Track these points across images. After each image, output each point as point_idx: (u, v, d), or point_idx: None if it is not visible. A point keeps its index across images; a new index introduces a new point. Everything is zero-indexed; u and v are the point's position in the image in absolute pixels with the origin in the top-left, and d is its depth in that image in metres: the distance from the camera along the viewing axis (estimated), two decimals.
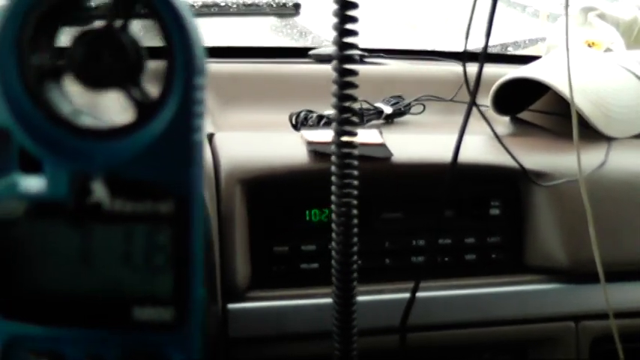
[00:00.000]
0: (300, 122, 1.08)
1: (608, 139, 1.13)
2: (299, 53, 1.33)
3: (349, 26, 0.70)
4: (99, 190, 0.28)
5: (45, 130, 0.28)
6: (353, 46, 0.71)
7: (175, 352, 0.30)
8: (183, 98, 0.28)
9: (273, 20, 1.56)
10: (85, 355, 0.29)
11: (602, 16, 1.33)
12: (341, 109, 0.71)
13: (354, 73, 0.70)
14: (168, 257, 0.29)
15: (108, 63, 0.28)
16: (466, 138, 0.88)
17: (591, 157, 1.05)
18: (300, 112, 1.09)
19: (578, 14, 1.33)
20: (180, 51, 0.28)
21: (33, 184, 0.29)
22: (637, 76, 1.21)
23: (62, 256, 0.29)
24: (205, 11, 1.28)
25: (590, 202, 0.90)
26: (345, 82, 0.71)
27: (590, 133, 1.12)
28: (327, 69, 0.69)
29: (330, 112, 1.01)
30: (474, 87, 0.87)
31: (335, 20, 0.69)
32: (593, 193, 0.92)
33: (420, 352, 0.96)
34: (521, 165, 0.99)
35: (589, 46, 1.27)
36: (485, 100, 1.22)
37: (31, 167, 0.29)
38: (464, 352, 0.99)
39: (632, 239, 1.04)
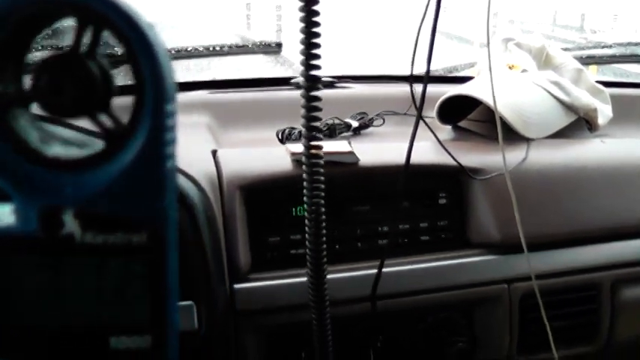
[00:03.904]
0: (285, 137, 1.07)
1: (527, 140, 1.13)
2: (282, 82, 1.31)
3: (313, 61, 0.69)
4: (70, 223, 0.23)
5: (12, 163, 0.23)
6: (316, 77, 0.69)
7: None
8: (152, 126, 0.23)
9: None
10: None
11: (518, 45, 1.33)
12: (308, 128, 0.70)
13: (317, 98, 0.69)
14: (143, 287, 0.24)
15: (73, 91, 0.22)
16: (417, 144, 0.88)
17: (515, 154, 1.05)
18: (285, 129, 1.07)
19: (500, 43, 1.33)
20: (150, 78, 0.23)
21: (2, 216, 0.23)
22: (547, 90, 1.21)
23: (36, 289, 0.23)
24: (205, 52, 1.27)
25: (515, 189, 0.90)
26: (310, 106, 0.70)
27: (513, 136, 1.12)
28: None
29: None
30: (420, 103, 0.87)
31: (301, 56, 0.68)
32: (517, 183, 0.92)
33: (387, 315, 0.95)
34: (459, 163, 0.99)
35: (509, 68, 1.27)
36: (432, 112, 1.21)
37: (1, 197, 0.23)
38: (423, 313, 0.98)
39: (549, 217, 1.04)
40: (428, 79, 0.84)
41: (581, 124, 1.26)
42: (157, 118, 0.23)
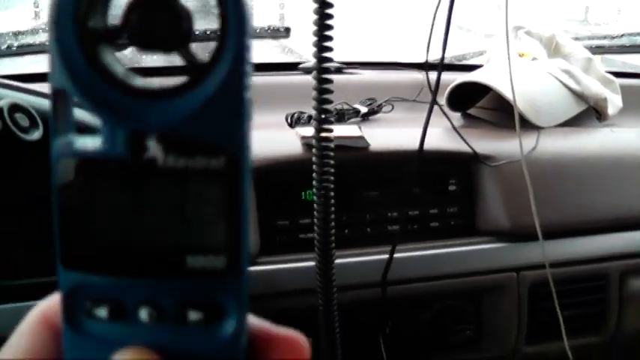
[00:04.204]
0: (294, 121, 1.06)
1: (537, 128, 1.12)
2: (290, 67, 1.30)
3: (326, 43, 0.68)
4: (154, 147, 0.25)
5: (102, 92, 0.25)
6: (328, 59, 0.68)
7: (227, 298, 0.26)
8: (235, 57, 0.24)
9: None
10: (141, 301, 0.26)
11: (529, 33, 1.31)
12: (319, 110, 0.69)
13: (329, 81, 0.68)
14: (219, 209, 0.25)
15: (163, 27, 0.24)
16: (428, 130, 0.87)
17: (525, 143, 1.04)
18: (294, 113, 1.06)
19: (510, 31, 1.31)
20: (233, 11, 0.24)
21: (90, 143, 0.25)
22: (558, 79, 1.20)
23: (119, 209, 0.25)
24: (213, 37, 1.25)
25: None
26: (322, 88, 0.69)
27: (523, 124, 1.10)
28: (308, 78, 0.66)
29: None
30: (435, 89, 0.85)
31: (314, 35, 0.67)
32: (528, 170, 0.91)
33: (395, 301, 0.94)
34: (473, 150, 0.98)
35: (520, 56, 1.26)
36: (441, 99, 1.20)
37: (86, 129, 0.26)
38: (430, 300, 0.97)
39: (559, 206, 1.03)
40: (443, 65, 0.83)
41: (590, 113, 1.25)
42: (239, 51, 0.24)
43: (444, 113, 0.96)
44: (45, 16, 1.63)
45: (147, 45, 0.25)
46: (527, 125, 1.11)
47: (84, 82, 0.25)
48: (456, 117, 1.23)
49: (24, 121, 0.66)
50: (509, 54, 0.89)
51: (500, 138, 1.05)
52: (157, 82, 0.25)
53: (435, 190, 0.99)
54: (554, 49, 1.32)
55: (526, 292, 1.01)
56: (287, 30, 1.24)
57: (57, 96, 0.25)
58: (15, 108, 0.66)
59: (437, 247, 0.97)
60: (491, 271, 0.99)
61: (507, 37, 0.88)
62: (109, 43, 0.25)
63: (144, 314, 0.26)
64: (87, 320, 0.26)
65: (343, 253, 0.87)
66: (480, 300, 1.01)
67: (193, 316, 0.26)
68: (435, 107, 0.87)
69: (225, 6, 0.24)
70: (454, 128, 0.98)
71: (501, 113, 1.18)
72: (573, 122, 1.19)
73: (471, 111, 1.24)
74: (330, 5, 0.66)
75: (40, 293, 0.29)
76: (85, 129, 0.25)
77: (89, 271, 0.26)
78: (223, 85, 0.24)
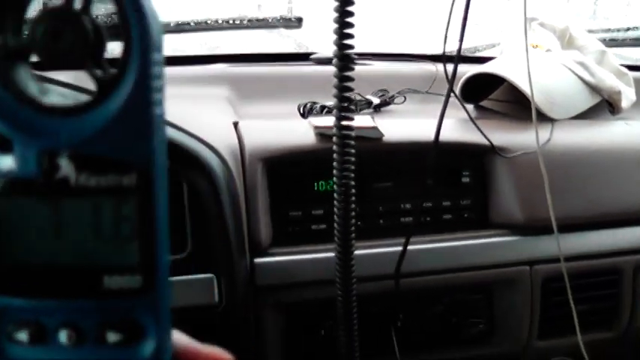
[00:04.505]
0: (306, 111, 1.04)
1: (551, 120, 1.10)
2: (302, 57, 1.28)
3: (347, 30, 0.67)
4: (65, 166, 0.24)
5: (13, 110, 0.24)
6: (351, 46, 0.67)
7: (145, 316, 0.26)
8: (140, 73, 0.24)
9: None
10: (61, 323, 0.26)
11: (542, 25, 1.29)
12: (341, 99, 0.68)
13: (351, 69, 0.67)
14: (134, 227, 0.25)
15: (68, 42, 0.24)
16: (437, 122, 0.86)
17: (540, 135, 1.02)
18: (307, 103, 1.05)
19: (523, 23, 1.29)
20: (136, 27, 0.24)
21: (3, 163, 0.25)
22: (572, 71, 1.18)
23: (34, 230, 0.25)
24: (226, 25, 1.24)
25: (539, 170, 0.88)
26: (344, 76, 0.68)
27: (537, 116, 1.09)
28: (325, 69, 0.65)
29: (330, 103, 0.98)
30: (451, 80, 0.84)
31: (335, 25, 0.66)
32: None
33: (407, 293, 0.93)
34: (490, 141, 0.96)
35: (533, 47, 1.24)
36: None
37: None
38: (443, 293, 0.96)
39: (572, 199, 1.01)
40: (459, 57, 0.82)
41: (603, 106, 1.23)
42: (144, 66, 0.24)
43: (462, 104, 0.95)
44: None
45: (53, 61, 0.24)
46: (540, 117, 1.09)
47: None
48: (469, 109, 1.21)
49: None
50: (526, 46, 0.87)
51: (513, 130, 1.04)
52: (62, 99, 0.25)
53: (448, 182, 0.97)
54: (567, 41, 1.30)
55: (539, 286, 1.00)
56: (299, 20, 1.23)
57: None
58: None
59: (449, 239, 0.96)
60: (503, 264, 0.98)
61: (525, 29, 0.86)
62: (22, 60, 0.25)
63: (63, 337, 0.26)
64: (10, 345, 0.26)
65: (356, 244, 0.85)
66: (492, 293, 1.00)
67: (112, 337, 0.26)
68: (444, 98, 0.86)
69: (127, 19, 0.24)
70: (471, 119, 0.97)
71: (514, 105, 1.17)
72: (586, 115, 1.18)
73: (484, 103, 1.23)
74: (351, 2, 0.65)
75: None
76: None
77: (8, 293, 0.25)
78: (129, 101, 0.24)
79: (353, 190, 0.71)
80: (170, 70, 1.03)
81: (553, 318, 1.02)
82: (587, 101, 1.18)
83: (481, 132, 0.96)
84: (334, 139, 0.70)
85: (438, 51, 1.30)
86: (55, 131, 0.24)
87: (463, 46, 0.86)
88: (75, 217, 0.25)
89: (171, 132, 0.81)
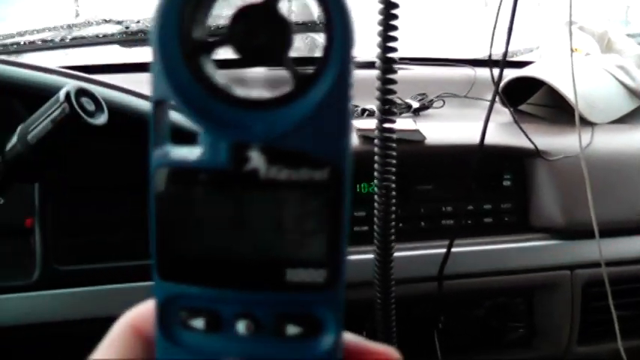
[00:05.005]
0: None
1: (591, 124, 1.09)
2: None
3: (391, 33, 0.67)
4: (256, 159, 0.24)
5: (206, 102, 0.24)
6: (394, 49, 0.68)
7: (325, 310, 0.26)
8: (341, 69, 0.24)
9: None
10: (239, 313, 0.25)
11: (581, 29, 1.29)
12: (383, 102, 0.68)
13: (394, 72, 0.68)
14: (320, 222, 0.25)
15: (268, 37, 0.24)
16: (477, 125, 0.85)
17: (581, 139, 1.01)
18: None
19: (563, 27, 1.29)
20: (339, 23, 0.23)
21: (189, 153, 0.24)
22: (612, 75, 1.17)
23: (218, 221, 0.25)
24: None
25: (580, 174, 0.87)
26: (387, 79, 0.68)
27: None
28: (365, 73, 0.66)
29: (371, 105, 0.98)
30: (497, 84, 0.84)
31: (380, 28, 0.66)
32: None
33: (448, 296, 0.93)
34: (534, 144, 0.96)
35: (573, 51, 1.23)
36: (488, 96, 1.18)
37: (182, 139, 0.25)
38: (483, 297, 0.96)
39: (614, 203, 1.01)
40: (505, 61, 0.82)
41: None
42: (345, 62, 0.24)
43: (508, 107, 0.95)
44: (86, 11, 1.65)
45: (250, 56, 0.24)
46: (581, 121, 1.09)
47: (188, 93, 0.24)
48: (507, 113, 1.21)
49: (90, 106, 0.66)
50: (571, 50, 0.87)
51: (554, 133, 1.04)
52: (255, 92, 0.25)
53: (489, 186, 0.97)
54: (606, 45, 1.29)
55: (580, 290, 0.99)
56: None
57: (157, 106, 0.25)
58: (81, 92, 0.66)
59: (490, 242, 0.95)
60: (544, 268, 0.98)
61: (570, 33, 0.86)
62: (210, 54, 0.25)
63: (241, 327, 0.26)
64: (182, 331, 0.26)
65: (397, 246, 0.85)
66: (533, 298, 0.99)
67: (292, 330, 0.26)
68: (483, 102, 0.85)
69: (331, 19, 0.24)
70: (516, 122, 0.97)
71: (552, 109, 1.16)
72: (627, 119, 1.17)
73: (522, 107, 1.22)
74: (396, 6, 0.65)
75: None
76: (181, 139, 0.25)
77: (187, 282, 0.25)
78: (328, 96, 0.24)
79: (394, 193, 0.71)
80: None
81: (593, 323, 1.01)
82: (628, 105, 1.17)
83: (526, 135, 0.95)
84: (376, 141, 0.70)
85: (477, 55, 1.30)
86: (248, 124, 0.24)
87: (501, 51, 0.86)
88: (261, 210, 0.25)
89: None
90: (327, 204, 0.24)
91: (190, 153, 0.25)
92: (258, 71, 0.29)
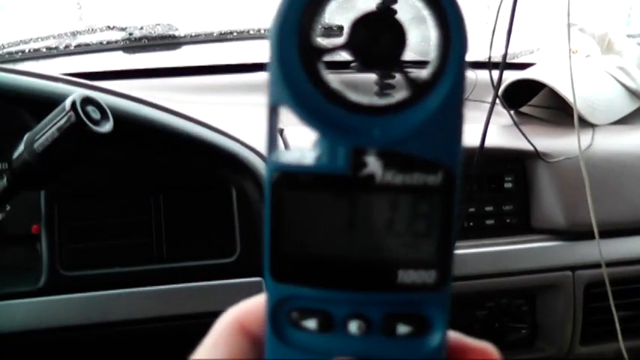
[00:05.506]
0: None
1: (592, 126, 1.10)
2: (344, 65, 1.29)
3: None
4: (372, 163, 0.25)
5: (324, 108, 0.25)
6: None
7: (434, 310, 0.27)
8: (457, 75, 0.24)
9: None
10: (351, 313, 0.26)
11: (582, 30, 1.29)
12: None
13: (392, 77, 0.68)
14: (433, 225, 0.25)
15: (387, 44, 0.25)
16: (478, 128, 0.86)
17: (581, 140, 1.02)
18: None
19: (563, 28, 1.29)
20: (456, 31, 0.24)
21: (304, 157, 0.25)
22: (613, 76, 1.18)
23: (332, 223, 0.25)
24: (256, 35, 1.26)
25: (581, 175, 0.88)
26: (384, 84, 0.69)
27: (579, 121, 1.09)
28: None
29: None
30: (496, 87, 0.85)
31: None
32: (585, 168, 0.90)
33: (453, 298, 0.93)
34: (534, 147, 0.96)
35: (573, 53, 1.24)
36: (488, 98, 1.18)
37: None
38: (486, 298, 0.97)
39: (614, 204, 1.01)
40: (505, 64, 0.83)
41: None
42: (461, 68, 0.24)
43: (507, 110, 0.95)
44: (89, 17, 1.66)
45: (369, 61, 0.25)
46: (581, 123, 1.09)
47: (307, 98, 0.25)
48: (508, 115, 1.22)
49: (95, 114, 0.67)
50: (569, 52, 0.88)
51: (555, 135, 1.04)
52: (366, 98, 0.25)
53: (490, 188, 0.98)
54: (607, 46, 1.30)
55: (582, 291, 1.00)
56: (340, 28, 1.24)
57: (274, 112, 0.25)
58: (87, 101, 0.67)
59: (492, 244, 0.96)
60: (546, 269, 0.98)
61: (569, 35, 0.86)
62: (323, 60, 0.25)
63: (353, 326, 0.26)
64: (293, 331, 0.27)
65: None
66: (535, 299, 1.00)
67: (402, 329, 0.26)
68: (482, 104, 0.86)
69: (448, 26, 0.24)
70: (516, 125, 0.97)
71: (554, 111, 1.17)
72: (627, 120, 1.17)
73: (523, 109, 1.23)
74: None
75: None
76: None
77: (300, 284, 0.26)
78: (446, 102, 0.24)
79: None
80: (218, 79, 1.05)
81: (596, 323, 1.01)
82: (628, 106, 1.18)
83: (526, 137, 0.96)
84: None
85: (477, 58, 1.31)
86: (366, 129, 0.25)
87: (501, 53, 0.87)
88: (375, 213, 0.25)
89: (219, 138, 0.83)
90: (440, 207, 0.25)
91: (305, 157, 0.25)
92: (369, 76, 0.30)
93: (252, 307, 0.28)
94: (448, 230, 0.25)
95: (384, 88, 0.27)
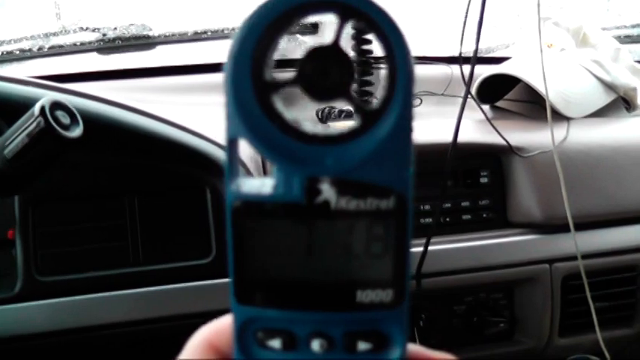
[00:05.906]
0: (325, 116, 1.06)
1: (567, 119, 1.11)
2: None
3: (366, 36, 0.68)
4: (327, 191, 0.26)
5: (279, 139, 0.26)
6: (370, 51, 0.69)
7: (392, 326, 0.27)
8: (405, 104, 0.25)
9: None
10: (313, 332, 0.27)
11: (556, 24, 1.30)
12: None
13: (370, 73, 0.69)
14: (387, 246, 0.26)
15: (336, 77, 0.26)
16: (453, 123, 0.86)
17: (556, 133, 1.03)
18: (325, 108, 1.06)
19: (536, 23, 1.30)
20: (402, 62, 0.25)
21: (262, 186, 0.26)
22: (587, 69, 1.19)
23: (291, 248, 0.26)
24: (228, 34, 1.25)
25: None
26: (363, 80, 0.69)
27: (553, 115, 1.10)
28: None
29: (347, 107, 0.99)
30: (468, 83, 0.85)
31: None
32: (559, 161, 0.91)
33: (429, 294, 0.94)
34: (507, 141, 0.97)
35: (548, 47, 1.24)
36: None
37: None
38: (463, 293, 0.97)
39: (590, 197, 1.02)
40: (476, 58, 0.83)
41: (619, 103, 1.24)
42: (408, 97, 0.25)
43: (479, 105, 0.96)
44: (67, 18, 1.65)
45: (320, 94, 0.26)
46: (556, 116, 1.10)
47: (262, 131, 0.25)
48: (485, 110, 1.22)
49: (65, 119, 0.67)
50: (541, 46, 0.88)
51: (530, 129, 1.05)
52: (320, 127, 0.26)
53: (466, 183, 0.99)
54: (582, 40, 1.30)
55: (559, 283, 1.01)
56: (314, 25, 1.24)
57: (232, 144, 0.26)
58: (56, 105, 0.67)
59: (469, 239, 0.97)
60: (524, 263, 0.99)
61: (540, 29, 0.87)
62: (280, 92, 0.26)
63: (316, 345, 0.27)
64: (259, 350, 0.28)
65: None
66: (513, 292, 1.00)
67: (362, 346, 0.27)
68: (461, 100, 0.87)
69: (394, 57, 0.25)
70: (488, 120, 0.98)
71: (530, 105, 1.17)
72: (602, 112, 1.18)
73: (499, 103, 1.24)
74: None
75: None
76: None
77: (264, 306, 0.27)
78: (394, 129, 0.25)
79: None
80: (193, 78, 1.05)
81: (573, 315, 1.02)
82: (603, 99, 1.19)
83: (498, 132, 0.97)
84: None
85: (453, 53, 1.31)
86: (320, 159, 0.25)
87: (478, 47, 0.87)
88: (331, 238, 0.26)
89: (192, 139, 0.83)
90: (393, 230, 0.26)
91: (263, 186, 0.26)
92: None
93: (222, 326, 0.29)
94: (402, 251, 0.26)
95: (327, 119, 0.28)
